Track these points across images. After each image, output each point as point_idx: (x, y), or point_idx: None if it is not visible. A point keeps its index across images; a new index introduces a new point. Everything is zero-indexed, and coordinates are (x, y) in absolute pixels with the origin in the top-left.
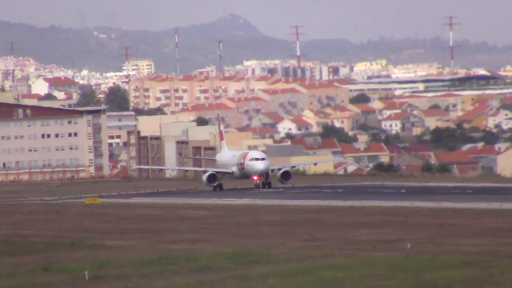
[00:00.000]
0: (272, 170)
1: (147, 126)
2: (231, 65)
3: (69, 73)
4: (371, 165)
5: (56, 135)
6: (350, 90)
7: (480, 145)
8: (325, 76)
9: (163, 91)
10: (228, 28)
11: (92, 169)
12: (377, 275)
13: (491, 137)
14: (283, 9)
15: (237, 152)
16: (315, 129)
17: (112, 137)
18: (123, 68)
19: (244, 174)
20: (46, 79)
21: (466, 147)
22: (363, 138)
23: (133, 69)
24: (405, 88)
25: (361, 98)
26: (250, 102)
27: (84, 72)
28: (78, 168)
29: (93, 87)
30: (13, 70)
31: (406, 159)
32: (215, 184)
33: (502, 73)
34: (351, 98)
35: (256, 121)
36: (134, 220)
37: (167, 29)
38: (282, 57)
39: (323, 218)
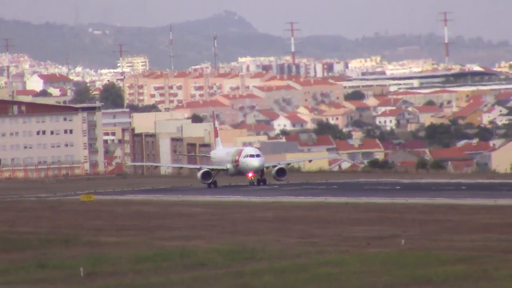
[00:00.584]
0: (267, 167)
1: (142, 123)
2: (226, 62)
3: (64, 70)
4: (365, 161)
5: (51, 132)
6: (345, 87)
7: (474, 141)
8: (319, 73)
9: (157, 88)
10: (222, 25)
11: (87, 166)
12: (372, 271)
13: (485, 133)
14: (278, 5)
15: (231, 149)
16: (310, 125)
17: (107, 134)
18: (118, 64)
19: (239, 171)
20: (41, 76)
21: (461, 143)
22: (357, 134)
23: (127, 66)
24: (400, 85)
25: (355, 95)
26: (245, 99)
27: (79, 69)
28: (73, 165)
29: (88, 84)
30: (8, 67)
31: (400, 155)
32: (210, 181)
33: (496, 69)
34: (345, 95)
35: (251, 118)
36: (129, 217)
37: (161, 25)
38: (277, 54)
39: (318, 214)
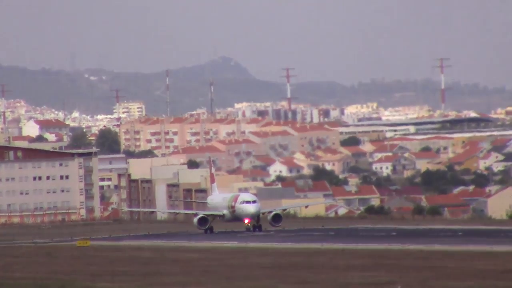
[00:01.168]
0: (263, 213)
1: (138, 168)
2: (222, 108)
3: (60, 115)
4: (362, 207)
5: (48, 178)
6: (341, 133)
7: (471, 187)
8: (315, 119)
9: (153, 134)
10: (219, 70)
11: (83, 212)
12: None
13: (482, 180)
14: (274, 51)
15: (228, 194)
16: (306, 171)
17: (103, 180)
18: (114, 110)
19: (235, 217)
20: (37, 121)
21: (457, 189)
22: (354, 180)
23: (124, 112)
24: (396, 131)
25: (352, 141)
26: (241, 144)
27: (75, 114)
28: (69, 211)
29: (84, 130)
30: (4, 112)
31: (397, 201)
32: (206, 226)
33: (492, 115)
34: (342, 141)
35: (247, 163)
36: (125, 262)
37: (158, 71)
38: (273, 100)
39: (315, 260)
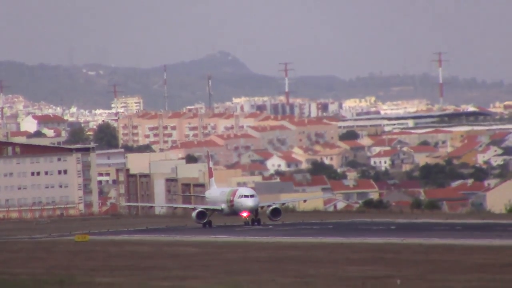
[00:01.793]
0: (262, 207)
1: (136, 163)
2: (220, 102)
3: (58, 110)
4: (360, 201)
5: (46, 173)
6: (339, 127)
7: (469, 181)
8: (314, 113)
9: (152, 129)
10: (217, 65)
11: (81, 207)
12: None
13: (480, 174)
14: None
15: (226, 189)
16: (304, 166)
17: (101, 175)
18: (112, 105)
19: (234, 211)
20: (35, 117)
21: (456, 183)
22: (352, 175)
23: (122, 107)
24: (394, 125)
25: (350, 135)
26: (239, 139)
27: (73, 109)
28: (68, 206)
29: (82, 125)
30: (2, 108)
31: (395, 195)
32: (205, 221)
33: (491, 109)
34: (340, 135)
35: (245, 158)
36: (123, 257)
37: (155, 66)
38: (271, 94)
39: (313, 254)
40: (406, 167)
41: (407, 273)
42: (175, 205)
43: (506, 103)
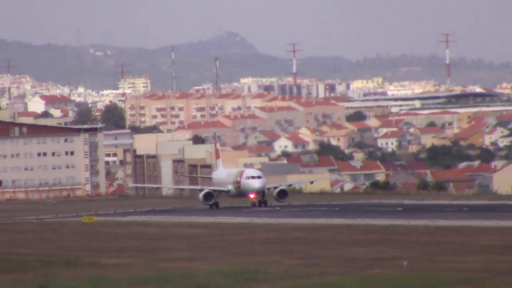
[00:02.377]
0: (269, 189)
1: (143, 144)
2: (228, 83)
3: (66, 91)
4: (367, 183)
5: (53, 153)
6: (347, 108)
7: (476, 163)
8: (321, 94)
9: (159, 109)
10: (224, 46)
11: (88, 187)
12: None
13: (487, 155)
14: (279, 26)
15: (233, 170)
16: (311, 147)
17: (108, 155)
18: (119, 86)
19: (241, 192)
20: (42, 97)
21: (462, 164)
22: (359, 156)
23: (129, 87)
24: (401, 106)
25: (357, 116)
26: (246, 120)
27: (81, 90)
28: (74, 186)
29: (89, 105)
30: (9, 88)
31: (402, 177)
32: (212, 202)
33: (498, 90)
34: (347, 116)
35: (252, 139)
36: (130, 238)
37: (163, 46)
38: (278, 75)
39: (320, 236)
40: (413, 148)
41: (414, 255)
42: (182, 186)
43: None
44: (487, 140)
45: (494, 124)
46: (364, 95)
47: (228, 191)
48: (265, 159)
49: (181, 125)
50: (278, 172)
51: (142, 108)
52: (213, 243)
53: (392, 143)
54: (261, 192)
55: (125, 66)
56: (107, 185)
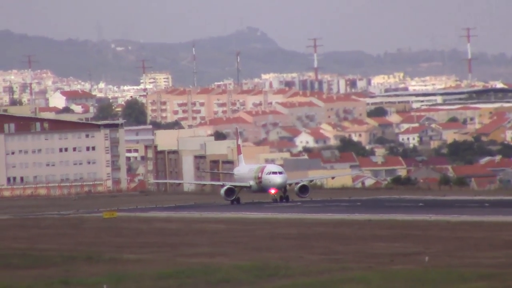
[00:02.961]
0: (290, 184)
1: (165, 140)
2: (249, 78)
3: (87, 86)
4: (388, 178)
5: (74, 149)
6: (368, 104)
7: (497, 158)
8: (342, 89)
9: (180, 105)
10: (245, 41)
11: (109, 183)
12: (395, 287)
13: (509, 150)
14: (300, 21)
15: (254, 165)
16: (332, 142)
17: (129, 151)
18: (141, 81)
19: (262, 188)
20: (63, 93)
21: (484, 160)
22: (380, 151)
23: (150, 82)
24: (423, 101)
25: (378, 112)
26: (268, 115)
27: (102, 85)
28: (96, 182)
29: (111, 101)
30: (31, 83)
31: (423, 172)
32: (233, 198)
33: None
34: (368, 112)
35: (273, 134)
36: (152, 233)
37: (184, 41)
38: (300, 70)
39: (341, 231)
40: (434, 144)
41: (435, 250)
42: (204, 182)
43: None
44: (508, 135)
45: None
46: (386, 90)
47: (250, 187)
48: (286, 155)
49: (202, 121)
50: (299, 167)
51: (164, 103)
52: (235, 238)
53: (413, 139)
54: (282, 188)
55: (146, 61)
56: (129, 181)
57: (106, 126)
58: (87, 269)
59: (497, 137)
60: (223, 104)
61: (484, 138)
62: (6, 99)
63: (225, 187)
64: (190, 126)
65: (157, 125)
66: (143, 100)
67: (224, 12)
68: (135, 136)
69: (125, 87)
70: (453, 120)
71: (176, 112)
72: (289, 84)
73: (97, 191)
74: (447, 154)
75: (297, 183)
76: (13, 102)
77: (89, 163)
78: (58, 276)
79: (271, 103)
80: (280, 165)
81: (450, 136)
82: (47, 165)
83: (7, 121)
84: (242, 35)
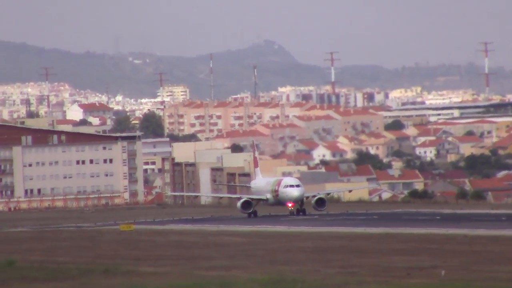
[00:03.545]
0: (307, 197)
1: (182, 152)
2: (266, 91)
3: (104, 99)
4: (405, 192)
5: (91, 161)
6: (385, 117)
7: None
8: (359, 103)
9: (197, 118)
10: (262, 54)
11: (126, 196)
12: None
13: None
14: (317, 35)
15: (271, 179)
16: (349, 155)
17: (147, 164)
18: (158, 94)
19: (279, 201)
20: (80, 105)
21: (501, 174)
22: (397, 164)
23: (167, 95)
24: (440, 115)
25: (395, 125)
26: (285, 128)
27: (119, 98)
28: (113, 194)
29: (128, 113)
30: (48, 96)
31: (440, 186)
32: (250, 210)
33: None
34: (385, 125)
35: (290, 147)
36: (168, 246)
37: (201, 54)
38: (317, 83)
39: (358, 245)
40: (451, 157)
41: (452, 264)
42: (220, 195)
43: None
44: None
45: None
46: (403, 104)
47: (267, 200)
48: (303, 168)
49: (219, 134)
50: (316, 180)
51: (181, 116)
52: (252, 251)
53: (430, 152)
54: (299, 201)
55: (164, 74)
56: (146, 193)
57: (123, 138)
58: (103, 282)
59: None
60: (240, 117)
61: (501, 152)
62: (23, 111)
63: (242, 200)
64: (207, 139)
65: (174, 138)
66: (161, 113)
67: (241, 26)
68: (152, 149)
69: (143, 100)
70: (470, 133)
71: (193, 125)
72: (306, 97)
73: (114, 204)
74: (464, 168)
75: (314, 196)
76: (30, 115)
77: (106, 175)
78: None
79: (288, 116)
80: (297, 178)
81: (467, 149)
82: (64, 177)
83: (25, 133)
84: (259, 48)
